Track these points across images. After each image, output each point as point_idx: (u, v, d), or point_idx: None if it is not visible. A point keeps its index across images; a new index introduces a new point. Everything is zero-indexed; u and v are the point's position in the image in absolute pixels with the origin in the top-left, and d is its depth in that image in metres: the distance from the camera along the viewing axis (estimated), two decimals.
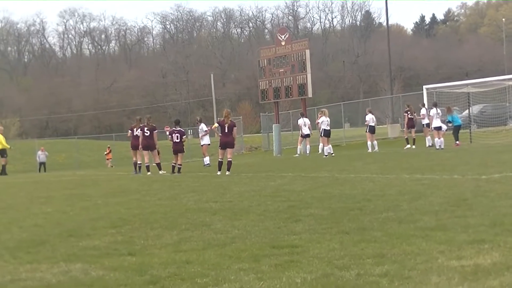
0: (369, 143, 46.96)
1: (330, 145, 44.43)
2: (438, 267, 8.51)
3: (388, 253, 9.49)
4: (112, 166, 66.80)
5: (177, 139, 35.70)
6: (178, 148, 35.61)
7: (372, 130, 47.32)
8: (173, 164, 35.48)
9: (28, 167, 66.13)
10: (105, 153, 75.48)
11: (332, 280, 8.12)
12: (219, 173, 30.25)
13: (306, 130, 48.22)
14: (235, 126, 31.91)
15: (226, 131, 30.62)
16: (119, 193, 22.95)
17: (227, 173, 29.83)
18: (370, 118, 47.41)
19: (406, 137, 48.83)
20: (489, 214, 12.51)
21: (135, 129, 35.83)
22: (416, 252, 9.45)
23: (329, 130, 44.12)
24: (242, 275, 8.71)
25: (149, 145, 35.04)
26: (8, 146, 48.71)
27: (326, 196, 17.36)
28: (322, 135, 43.41)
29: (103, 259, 10.38)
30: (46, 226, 14.70)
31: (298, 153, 48.64)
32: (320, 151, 45.04)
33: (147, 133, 34.80)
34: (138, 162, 36.16)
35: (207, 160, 41.41)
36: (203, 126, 42.44)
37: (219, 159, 31.05)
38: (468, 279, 7.81)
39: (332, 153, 42.75)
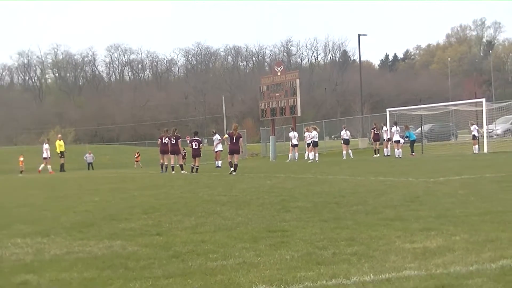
0: (344, 152, 47.09)
1: (317, 154, 44.60)
2: (396, 248, 8.53)
3: (357, 237, 9.51)
4: (135, 167, 66.47)
5: (196, 146, 35.85)
6: (196, 153, 35.73)
7: (346, 142, 47.54)
8: (192, 165, 35.47)
9: (81, 166, 66.09)
10: (135, 156, 75.36)
11: (314, 257, 8.14)
12: (232, 169, 30.23)
13: (295, 141, 48.39)
14: (241, 137, 32.06)
15: (234, 141, 30.81)
16: (150, 187, 22.95)
17: (234, 173, 29.78)
18: (343, 133, 47.70)
19: (374, 148, 48.93)
20: (435, 208, 12.53)
21: (163, 138, 35.96)
22: (379, 237, 9.47)
23: (317, 141, 44.41)
24: (244, 252, 8.73)
25: (175, 150, 35.18)
26: (65, 150, 49.20)
27: (310, 192, 17.36)
28: (312, 145, 43.54)
29: (137, 238, 10.41)
30: (94, 211, 14.72)
31: (289, 159, 48.64)
32: (306, 158, 45.05)
33: (173, 141, 34.96)
34: (165, 164, 36.20)
35: (219, 163, 41.36)
36: (217, 136, 42.46)
37: (229, 161, 31.12)
38: (418, 258, 7.84)
39: (316, 160, 42.75)
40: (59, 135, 54.74)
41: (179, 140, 35.69)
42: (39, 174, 45.00)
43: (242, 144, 32.63)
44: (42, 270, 8.08)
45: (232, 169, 30.33)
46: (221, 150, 42.22)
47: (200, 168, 35.47)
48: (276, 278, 7.02)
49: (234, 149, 31.01)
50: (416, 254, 8.08)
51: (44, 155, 46.97)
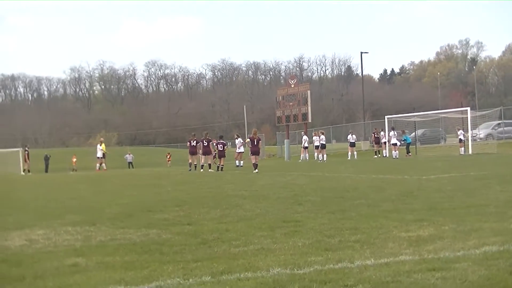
0: (349, 153, 47.02)
1: (325, 155, 44.79)
2: (393, 237, 8.49)
3: (360, 227, 9.47)
4: (168, 166, 66.59)
5: (221, 148, 35.94)
6: (221, 154, 35.85)
7: (352, 144, 47.58)
8: (217, 165, 35.50)
9: (122, 165, 66.28)
10: (167, 157, 75.75)
11: (322, 244, 8.12)
12: (256, 170, 29.85)
13: (306, 144, 48.45)
14: (260, 140, 32.06)
15: (255, 143, 30.83)
16: (182, 183, 22.98)
17: (255, 171, 29.68)
18: (350, 137, 47.74)
19: (375, 150, 48.87)
20: (427, 202, 12.47)
21: (191, 141, 36.17)
22: (379, 227, 9.43)
23: (325, 144, 44.67)
24: (263, 239, 8.71)
25: (206, 151, 35.25)
26: (107, 152, 49.34)
27: (319, 188, 17.33)
28: (320, 147, 43.78)
29: (170, 227, 10.41)
30: (133, 204, 14.76)
31: (301, 159, 48.60)
32: (315, 158, 45.05)
33: (205, 143, 35.10)
34: (194, 163, 36.28)
35: (241, 163, 41.36)
36: (240, 140, 42.53)
37: (253, 162, 30.89)
38: (412, 245, 7.80)
39: (324, 160, 42.78)
40: (101, 139, 55.28)
41: (210, 142, 35.83)
42: (104, 171, 45.14)
43: (261, 146, 32.60)
44: (89, 254, 8.11)
45: (256, 170, 30.18)
46: (243, 152, 42.26)
47: (224, 167, 35.49)
48: (290, 262, 7.01)
49: (255, 151, 31.02)
50: (410, 242, 8.04)
51: (98, 155, 47.58)
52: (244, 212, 12.19)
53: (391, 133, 44.39)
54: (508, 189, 14.38)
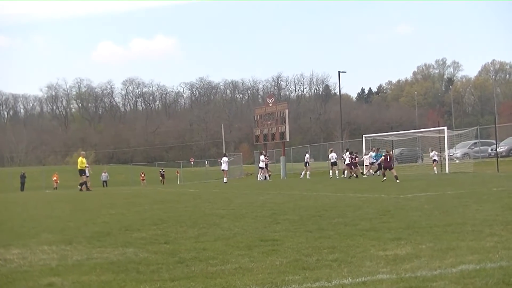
0: (306, 173, 46.82)
1: (337, 171, 45.24)
2: (371, 255, 8.51)
3: (337, 246, 9.48)
4: (142, 185, 66.29)
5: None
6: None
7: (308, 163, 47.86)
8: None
9: (98, 183, 65.94)
10: (141, 176, 75.66)
11: (300, 263, 8.11)
12: (384, 178, 33.22)
13: (333, 159, 46.40)
14: (392, 157, 35.89)
15: (388, 160, 33.54)
16: (159, 202, 22.88)
17: (397, 180, 31.33)
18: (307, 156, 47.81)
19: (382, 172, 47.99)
20: (404, 220, 12.50)
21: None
22: (356, 245, 9.44)
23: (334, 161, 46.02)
24: (240, 258, 8.69)
25: None
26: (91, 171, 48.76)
27: (297, 207, 17.31)
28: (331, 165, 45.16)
29: (148, 246, 10.36)
30: (110, 223, 14.67)
31: (330, 175, 46.43)
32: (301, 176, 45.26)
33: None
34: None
35: (225, 180, 41.88)
36: (225, 159, 43.25)
37: (394, 175, 32.49)
38: (390, 263, 7.81)
39: (348, 176, 43.52)
40: (82, 152, 54.80)
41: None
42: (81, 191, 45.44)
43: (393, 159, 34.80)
44: (65, 273, 8.04)
45: (385, 178, 32.99)
46: (226, 169, 42.76)
47: (202, 186, 35.39)
48: (268, 281, 6.99)
49: (388, 166, 33.47)
50: (388, 260, 8.06)
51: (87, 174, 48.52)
52: (221, 231, 12.16)
53: (370, 153, 44.63)
54: (485, 208, 14.47)
